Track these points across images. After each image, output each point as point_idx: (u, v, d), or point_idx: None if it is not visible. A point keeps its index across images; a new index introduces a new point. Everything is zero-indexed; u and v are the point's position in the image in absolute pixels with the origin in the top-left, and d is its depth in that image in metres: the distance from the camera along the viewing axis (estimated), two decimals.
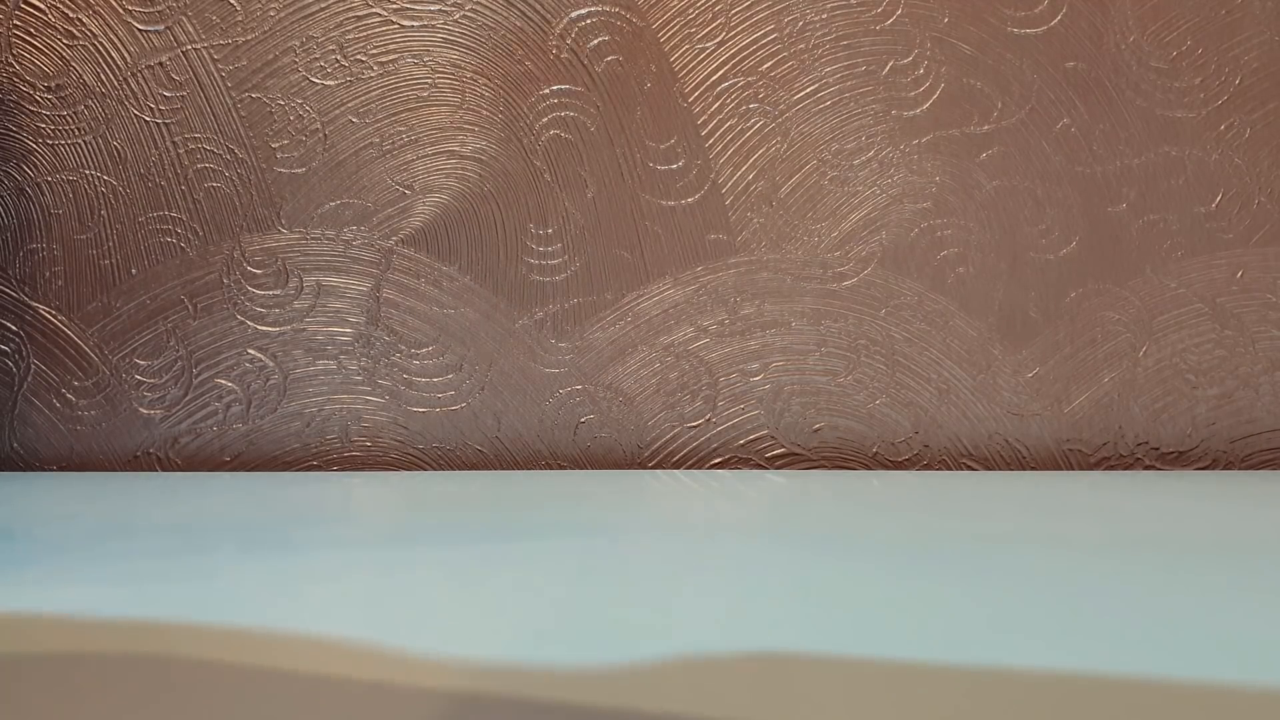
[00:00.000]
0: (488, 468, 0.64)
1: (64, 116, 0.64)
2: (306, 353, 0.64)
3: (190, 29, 0.64)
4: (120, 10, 0.64)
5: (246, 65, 0.64)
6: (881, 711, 0.18)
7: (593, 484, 0.54)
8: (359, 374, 0.64)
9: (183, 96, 0.64)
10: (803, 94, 0.65)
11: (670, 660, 0.20)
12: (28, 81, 0.64)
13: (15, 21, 0.64)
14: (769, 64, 0.65)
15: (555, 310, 0.64)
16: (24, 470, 0.64)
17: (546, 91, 0.64)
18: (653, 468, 0.65)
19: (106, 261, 0.64)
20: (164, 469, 0.64)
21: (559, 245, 0.64)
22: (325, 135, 0.64)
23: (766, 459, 0.65)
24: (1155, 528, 0.38)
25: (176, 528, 0.38)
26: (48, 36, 0.64)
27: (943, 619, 0.24)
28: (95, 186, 0.64)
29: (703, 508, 0.45)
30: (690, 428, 0.65)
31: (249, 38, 0.64)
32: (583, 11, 0.64)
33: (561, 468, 0.64)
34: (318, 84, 0.64)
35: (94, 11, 0.64)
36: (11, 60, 0.64)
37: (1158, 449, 0.66)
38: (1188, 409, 0.66)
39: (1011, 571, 0.29)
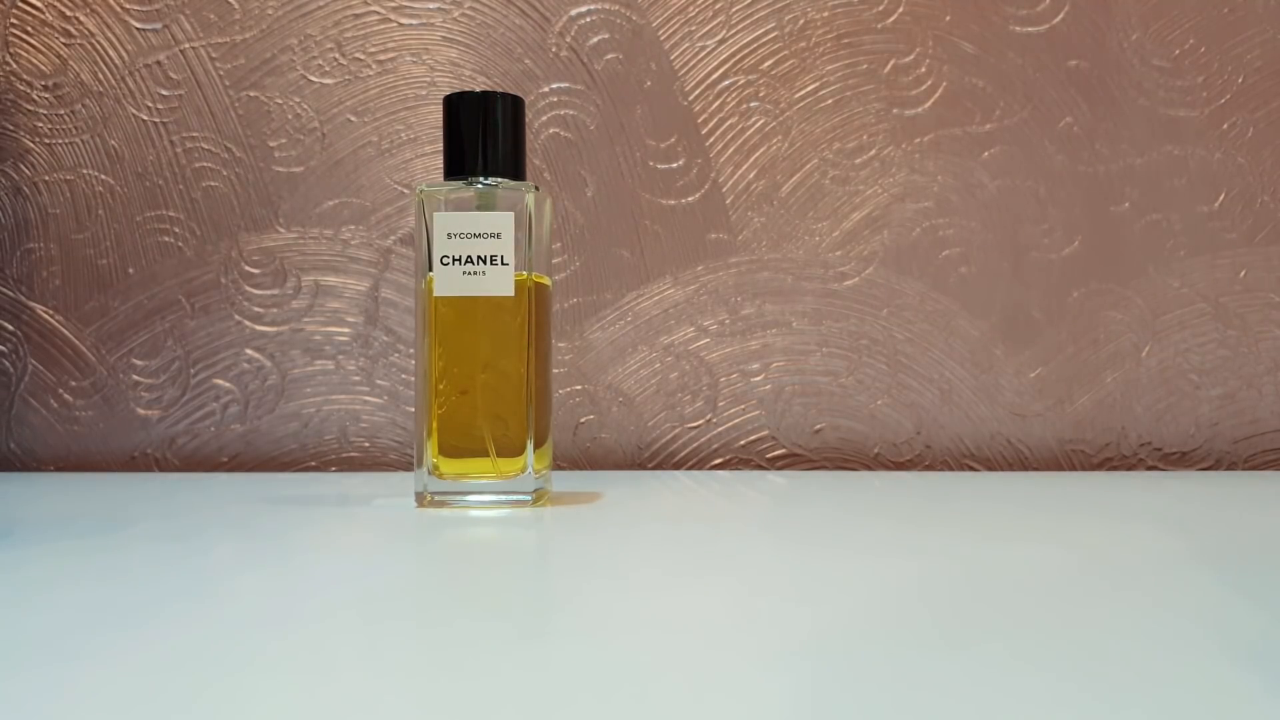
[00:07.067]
0: None
1: (61, 115, 0.64)
2: (304, 353, 0.64)
3: (188, 27, 0.63)
4: (118, 8, 0.63)
5: (244, 64, 0.64)
6: (881, 712, 0.17)
7: (595, 484, 0.54)
8: (357, 374, 0.64)
9: (180, 95, 0.64)
10: (804, 92, 0.64)
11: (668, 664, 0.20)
12: (25, 80, 0.63)
13: (12, 19, 0.63)
14: (770, 62, 0.64)
15: (555, 310, 0.64)
16: (21, 470, 0.64)
17: (546, 90, 0.64)
18: (653, 468, 0.64)
19: (104, 261, 0.64)
20: (161, 469, 0.63)
21: (559, 244, 0.64)
22: (323, 134, 0.64)
23: (767, 460, 0.65)
24: (1158, 529, 0.38)
25: (174, 528, 0.38)
26: (45, 35, 0.63)
27: (944, 621, 0.24)
28: (92, 186, 0.64)
29: (703, 508, 0.45)
30: (690, 428, 0.65)
31: (247, 36, 0.63)
32: (582, 9, 0.64)
33: (561, 468, 0.64)
34: (316, 82, 0.64)
35: (91, 10, 0.63)
36: (8, 58, 0.64)
37: (1160, 449, 0.65)
38: (1190, 409, 0.65)
39: (1013, 573, 0.29)
